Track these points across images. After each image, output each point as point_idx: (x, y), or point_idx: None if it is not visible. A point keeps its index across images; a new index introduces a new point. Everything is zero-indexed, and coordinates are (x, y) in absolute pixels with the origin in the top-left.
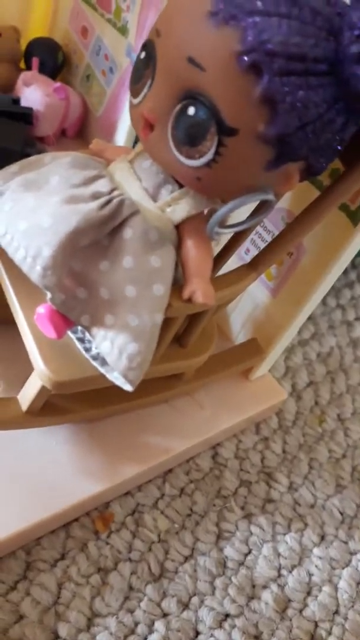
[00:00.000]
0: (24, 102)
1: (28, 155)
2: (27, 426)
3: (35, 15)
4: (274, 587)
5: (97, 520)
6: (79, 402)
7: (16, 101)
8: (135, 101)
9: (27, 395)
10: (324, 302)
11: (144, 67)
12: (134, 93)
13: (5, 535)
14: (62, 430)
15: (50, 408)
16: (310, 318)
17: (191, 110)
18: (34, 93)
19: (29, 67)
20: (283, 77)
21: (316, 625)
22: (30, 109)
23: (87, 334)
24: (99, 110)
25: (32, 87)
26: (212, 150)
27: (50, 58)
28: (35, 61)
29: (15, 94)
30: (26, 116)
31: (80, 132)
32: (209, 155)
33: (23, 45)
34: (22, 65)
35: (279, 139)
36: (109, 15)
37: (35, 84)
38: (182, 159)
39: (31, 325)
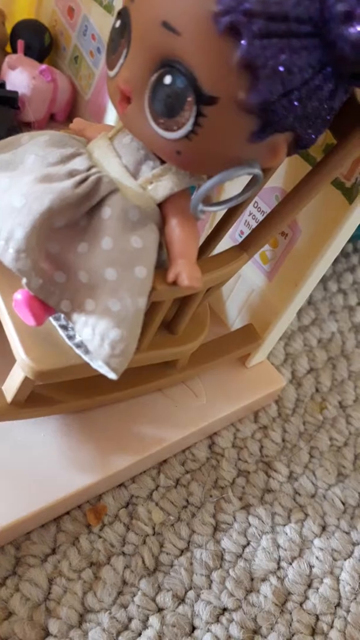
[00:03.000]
0: (9, 86)
1: None
2: (13, 418)
3: None
4: (273, 579)
5: (89, 513)
6: (67, 392)
7: (1, 85)
8: (112, 73)
9: (11, 385)
10: (325, 286)
11: (119, 37)
12: (110, 65)
13: None
14: (51, 421)
15: (36, 399)
16: (310, 303)
17: (167, 79)
18: (19, 76)
19: (15, 51)
20: (263, 39)
21: (317, 619)
22: (15, 93)
23: (68, 320)
24: (88, 93)
25: (18, 70)
26: (191, 121)
27: (37, 40)
28: (20, 43)
29: (0, 78)
30: (11, 100)
31: (69, 116)
32: (187, 127)
33: (9, 28)
34: (8, 49)
35: (262, 107)
36: None
37: (21, 66)
38: (160, 131)
39: (11, 313)
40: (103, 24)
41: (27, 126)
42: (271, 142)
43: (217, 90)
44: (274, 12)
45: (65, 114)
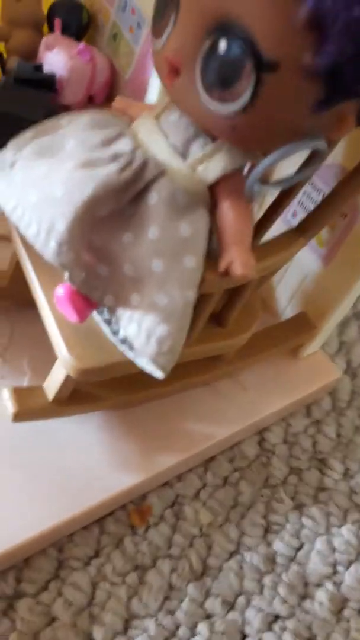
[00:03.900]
0: (46, 67)
1: None
2: (55, 416)
3: None
4: (329, 585)
5: (133, 513)
6: (110, 388)
7: (38, 68)
8: (159, 43)
9: (53, 383)
10: None
11: (166, 1)
12: (156, 33)
13: (36, 532)
14: (94, 418)
15: (79, 396)
16: None
17: (222, 45)
18: (56, 57)
19: (52, 31)
20: None
21: None
22: (52, 76)
23: (112, 315)
24: (127, 72)
25: (55, 51)
26: (249, 91)
27: (74, 18)
28: (57, 22)
29: (38, 60)
30: (49, 83)
31: (108, 98)
32: (245, 98)
33: (45, 7)
34: (46, 30)
35: (331, 71)
36: None
37: (58, 47)
38: (214, 104)
39: (52, 308)
40: None
41: (65, 109)
42: (338, 111)
43: (279, 54)
44: None
45: (104, 95)
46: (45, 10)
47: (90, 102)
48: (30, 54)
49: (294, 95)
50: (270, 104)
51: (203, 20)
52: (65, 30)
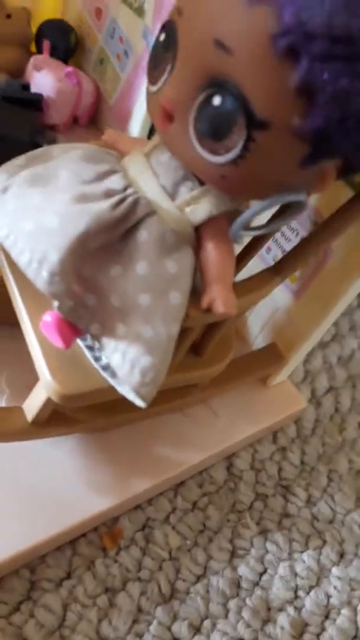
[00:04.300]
0: (34, 88)
1: (37, 144)
2: (33, 437)
3: None
4: (290, 609)
5: (105, 536)
6: (88, 411)
7: (26, 87)
8: (154, 89)
9: (32, 405)
10: None
11: (164, 51)
12: (152, 80)
13: (8, 554)
14: (68, 440)
15: (57, 418)
16: None
17: (217, 100)
18: (44, 78)
19: (40, 51)
20: (324, 62)
21: None
22: (40, 96)
23: (96, 342)
24: (112, 97)
25: (43, 72)
26: (240, 146)
27: (62, 41)
28: (46, 44)
29: (25, 79)
30: (36, 103)
31: (92, 120)
32: (235, 151)
33: (34, 27)
34: (33, 48)
35: (317, 133)
36: None
37: (47, 68)
38: (205, 154)
39: (37, 333)
40: (132, 27)
41: (50, 129)
42: (320, 168)
43: (270, 114)
44: (337, 33)
45: (89, 117)
46: (33, 30)
47: (74, 123)
48: (17, 72)
49: (282, 152)
50: (260, 159)
51: (199, 75)
52: (53, 52)
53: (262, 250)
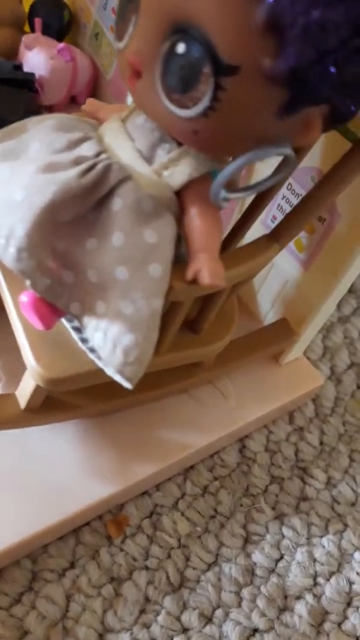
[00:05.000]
0: (26, 68)
1: None
2: (28, 425)
3: None
4: (309, 597)
5: (110, 524)
6: (85, 396)
7: (18, 67)
8: (121, 45)
9: (23, 391)
10: None
11: (128, 2)
12: (119, 35)
13: (9, 543)
14: (69, 427)
15: (52, 404)
16: (351, 291)
17: (181, 48)
18: (36, 57)
19: (33, 30)
20: None
21: None
22: (32, 75)
23: (78, 322)
24: (109, 72)
25: (35, 51)
26: (208, 96)
27: (55, 18)
28: (37, 22)
29: (18, 60)
30: (29, 82)
31: (91, 98)
32: (204, 102)
33: (26, 6)
34: (27, 28)
35: (292, 75)
36: None
37: (38, 46)
38: (174, 108)
39: (20, 315)
40: None
41: (48, 109)
42: (303, 116)
43: (237, 57)
44: None
45: (87, 95)
46: (26, 8)
47: (72, 102)
48: (11, 53)
49: (256, 100)
50: (232, 109)
51: (162, 22)
52: (46, 30)
53: (268, 220)
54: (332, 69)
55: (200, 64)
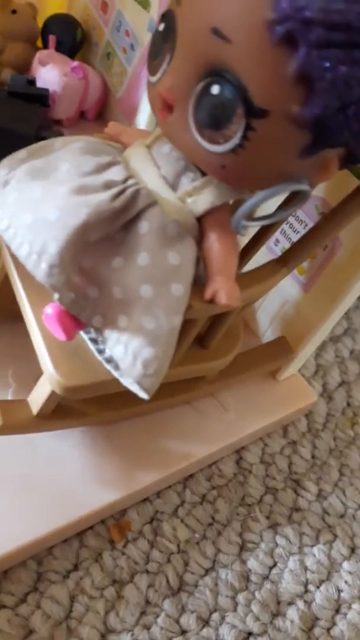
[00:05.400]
0: (39, 83)
1: (43, 139)
2: (38, 430)
3: None
4: (300, 603)
5: (112, 528)
6: (94, 404)
7: (32, 82)
8: (153, 79)
9: (37, 398)
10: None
11: (163, 41)
12: (152, 70)
13: (15, 545)
14: (76, 433)
15: (62, 411)
16: None
17: (215, 89)
18: (50, 73)
19: (46, 46)
20: (322, 49)
21: None
22: (46, 90)
23: (99, 335)
24: (119, 91)
25: (49, 67)
26: (239, 135)
27: (68, 35)
28: (52, 39)
29: (31, 75)
30: (42, 98)
31: (100, 114)
32: (235, 140)
33: (40, 22)
34: (39, 43)
35: (317, 122)
36: None
37: (52, 63)
38: (205, 144)
39: (40, 325)
40: (138, 20)
41: (57, 123)
42: (322, 157)
43: (268, 102)
44: (335, 20)
45: (96, 112)
46: (40, 24)
47: (81, 117)
48: (24, 68)
49: (281, 141)
50: (259, 148)
51: (198, 64)
52: (59, 47)
53: (271, 243)
54: (353, 118)
55: (233, 105)
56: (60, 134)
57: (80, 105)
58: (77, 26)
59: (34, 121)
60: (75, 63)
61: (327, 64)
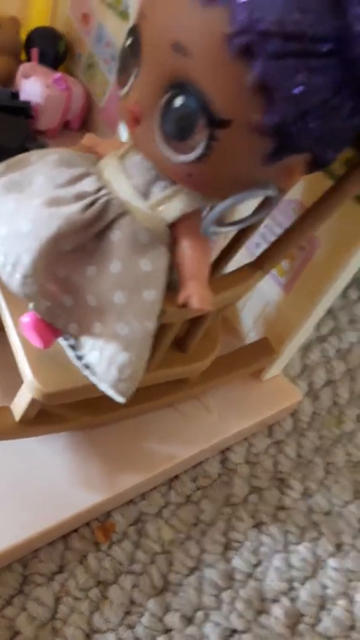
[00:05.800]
0: (23, 95)
1: (28, 150)
2: (22, 436)
3: (36, 4)
4: (285, 600)
5: (97, 530)
6: (76, 409)
7: (15, 95)
8: (122, 92)
9: (19, 404)
10: (344, 294)
11: (130, 55)
12: (120, 83)
13: (1, 549)
14: (60, 438)
15: (45, 416)
16: (329, 312)
17: (178, 101)
18: (33, 85)
19: (29, 59)
20: (279, 60)
21: None
22: (28, 103)
23: (75, 341)
24: (102, 101)
25: (32, 79)
26: (203, 144)
27: (51, 48)
28: (34, 52)
29: (15, 88)
30: (25, 110)
31: (84, 124)
32: (199, 150)
33: (23, 36)
34: (24, 57)
35: (277, 129)
36: (110, 0)
37: (35, 75)
38: (171, 154)
39: (19, 334)
40: (118, 31)
41: (41, 134)
42: (287, 163)
43: (230, 112)
44: (290, 31)
45: (80, 122)
46: (23, 38)
47: (65, 127)
48: (8, 81)
49: (245, 149)
50: (224, 156)
51: (161, 77)
52: (42, 59)
53: (252, 247)
54: (312, 124)
55: (196, 117)
56: (44, 145)
57: (63, 116)
58: (60, 38)
59: (18, 133)
60: (58, 75)
61: (284, 74)
